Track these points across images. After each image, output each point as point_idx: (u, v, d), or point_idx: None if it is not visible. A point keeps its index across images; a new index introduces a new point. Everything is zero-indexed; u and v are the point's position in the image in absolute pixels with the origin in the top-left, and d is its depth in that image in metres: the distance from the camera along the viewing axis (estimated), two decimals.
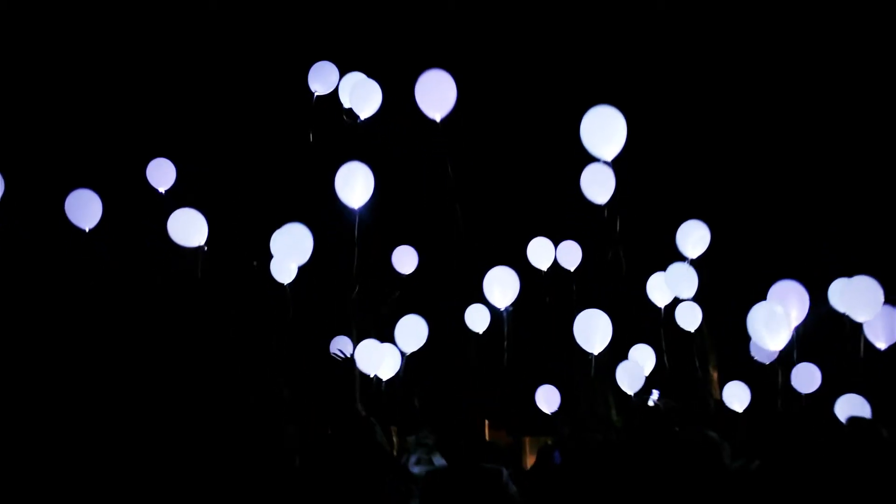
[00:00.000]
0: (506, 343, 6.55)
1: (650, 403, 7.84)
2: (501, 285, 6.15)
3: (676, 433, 3.67)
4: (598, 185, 5.50)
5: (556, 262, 6.88)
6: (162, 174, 5.98)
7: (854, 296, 5.59)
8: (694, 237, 6.26)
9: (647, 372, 6.81)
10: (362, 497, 4.46)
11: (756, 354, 6.64)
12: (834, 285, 5.90)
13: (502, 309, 6.19)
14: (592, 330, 5.90)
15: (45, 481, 7.22)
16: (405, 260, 7.03)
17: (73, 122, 7.11)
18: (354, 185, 5.21)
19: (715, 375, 8.04)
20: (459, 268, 7.29)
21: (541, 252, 6.72)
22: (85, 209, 5.66)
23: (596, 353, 5.91)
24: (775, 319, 4.91)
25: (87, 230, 5.70)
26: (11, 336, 7.24)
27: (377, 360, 6.29)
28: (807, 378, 6.40)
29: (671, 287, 6.44)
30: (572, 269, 6.79)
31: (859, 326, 5.65)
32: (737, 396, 6.77)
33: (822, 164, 7.69)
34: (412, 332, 6.31)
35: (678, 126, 7.73)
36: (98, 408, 7.51)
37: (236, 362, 7.85)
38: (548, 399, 7.19)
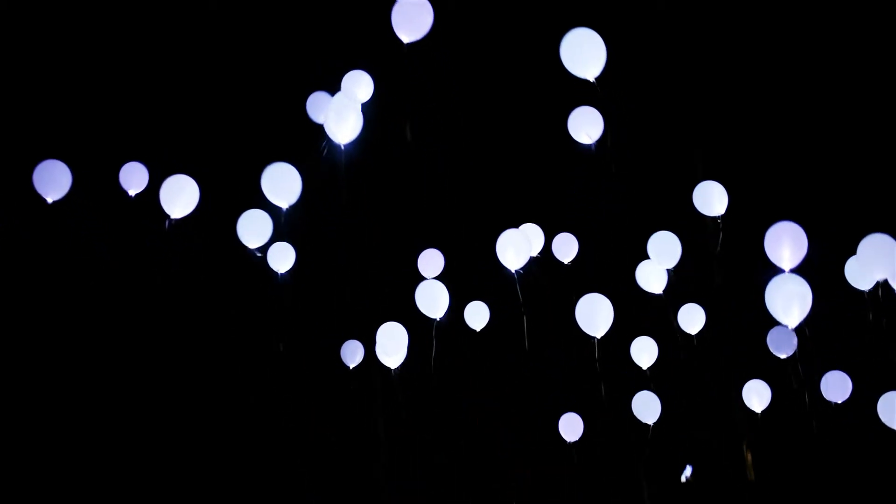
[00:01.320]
0: (523, 309, 6.42)
1: (683, 480, 7.83)
2: (515, 247, 5.98)
3: None
4: (585, 126, 5.52)
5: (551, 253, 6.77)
6: (134, 178, 5.95)
7: (870, 260, 5.45)
8: (716, 193, 6.10)
9: (647, 366, 6.69)
10: None
11: (774, 348, 6.57)
12: (848, 268, 5.82)
13: (513, 271, 6.00)
14: (595, 314, 5.81)
15: (45, 480, 7.22)
16: (431, 263, 6.91)
17: (65, 117, 7.07)
18: (344, 119, 5.15)
19: (748, 456, 7.99)
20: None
21: (531, 238, 6.57)
22: (52, 180, 5.57)
23: (599, 336, 5.82)
24: (793, 297, 4.79)
25: (49, 202, 5.60)
26: (11, 336, 7.25)
27: (395, 347, 6.14)
28: (837, 387, 6.27)
29: (655, 257, 6.29)
30: (567, 262, 6.69)
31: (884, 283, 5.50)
32: (756, 392, 6.61)
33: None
34: (433, 296, 6.14)
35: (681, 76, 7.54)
36: (98, 407, 7.52)
37: (236, 362, 7.86)
38: (570, 428, 7.10)
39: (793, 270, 4.86)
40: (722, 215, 6.00)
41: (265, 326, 7.75)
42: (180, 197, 5.52)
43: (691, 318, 6.63)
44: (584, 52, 4.65)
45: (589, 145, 5.53)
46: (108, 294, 7.51)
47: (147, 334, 7.66)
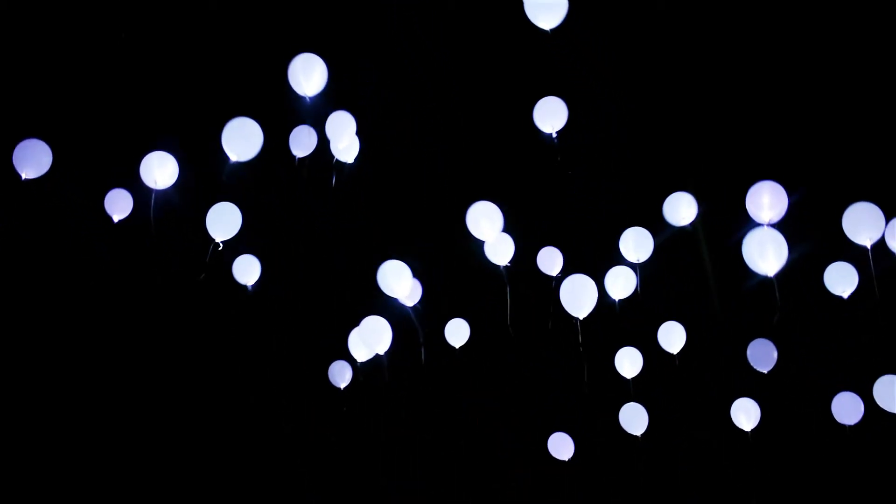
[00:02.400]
0: (508, 305, 6.36)
1: None
2: (488, 217, 5.82)
3: None
4: (549, 115, 5.58)
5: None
6: (118, 204, 6.02)
7: (857, 224, 5.40)
8: (684, 201, 6.04)
9: (631, 376, 6.60)
10: None
11: (754, 362, 6.53)
12: (827, 275, 5.82)
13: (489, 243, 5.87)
14: (579, 294, 5.75)
15: (45, 480, 7.23)
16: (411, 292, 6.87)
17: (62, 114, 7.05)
18: (311, 72, 5.14)
19: None
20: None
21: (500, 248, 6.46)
22: (32, 158, 5.58)
23: (582, 317, 5.76)
24: (767, 244, 4.74)
25: (22, 178, 5.60)
26: (11, 336, 7.26)
27: (377, 338, 6.07)
28: (849, 409, 6.19)
29: (627, 252, 6.22)
30: (554, 275, 6.61)
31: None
32: (744, 410, 6.50)
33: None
34: (397, 273, 6.07)
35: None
36: (98, 407, 7.53)
37: (236, 362, 7.87)
38: (561, 447, 7.08)
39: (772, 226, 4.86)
40: (692, 223, 5.99)
41: (265, 326, 7.76)
42: (154, 168, 5.47)
43: (671, 337, 6.57)
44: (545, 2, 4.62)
45: (550, 135, 5.55)
46: (108, 294, 7.51)
47: (147, 334, 7.67)
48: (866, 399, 6.10)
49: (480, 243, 5.91)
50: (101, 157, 6.71)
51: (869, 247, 5.33)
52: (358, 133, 5.59)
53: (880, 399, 5.70)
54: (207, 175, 5.82)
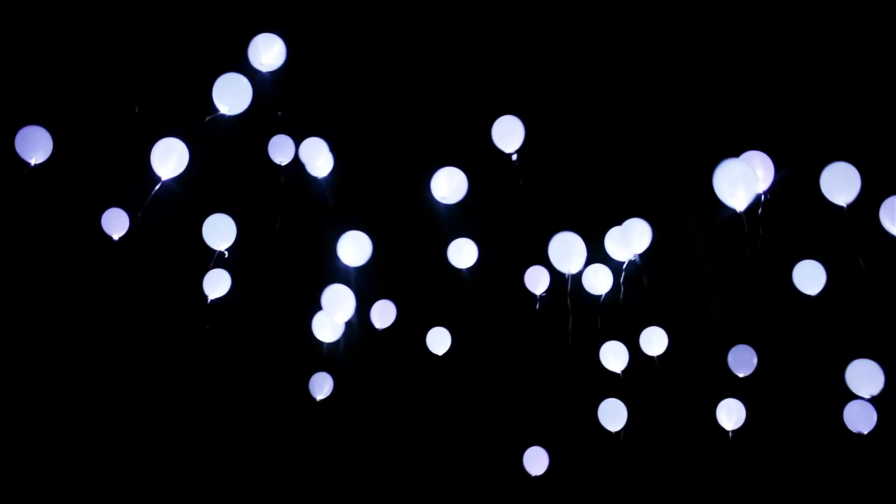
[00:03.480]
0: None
1: None
2: (448, 174, 5.73)
3: None
4: (507, 134, 5.62)
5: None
6: (115, 223, 6.03)
7: (833, 185, 5.36)
8: (638, 230, 6.02)
9: (621, 368, 6.57)
10: None
11: (734, 367, 6.51)
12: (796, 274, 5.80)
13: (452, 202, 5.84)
14: (568, 250, 5.72)
15: (45, 480, 7.24)
16: (383, 314, 6.84)
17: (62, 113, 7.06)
18: (271, 47, 5.22)
19: None
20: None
21: (464, 252, 6.42)
22: (35, 143, 5.59)
23: (573, 272, 5.74)
24: (738, 179, 4.68)
25: (31, 164, 5.61)
26: (11, 336, 7.27)
27: (343, 306, 6.00)
28: (862, 417, 5.99)
29: (612, 249, 6.19)
30: (538, 294, 6.59)
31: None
32: (726, 409, 6.40)
33: None
34: (355, 245, 6.04)
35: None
36: (98, 408, 7.54)
37: (236, 362, 7.88)
38: (535, 461, 7.06)
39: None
40: (641, 253, 5.97)
41: (265, 326, 7.77)
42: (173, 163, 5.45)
43: (651, 342, 6.53)
44: None
45: (510, 154, 5.58)
46: (108, 294, 7.53)
47: (147, 334, 7.68)
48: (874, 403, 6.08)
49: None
50: (100, 154, 6.72)
51: (845, 207, 5.25)
52: (333, 150, 5.64)
53: (853, 383, 5.62)
54: (205, 174, 5.83)
